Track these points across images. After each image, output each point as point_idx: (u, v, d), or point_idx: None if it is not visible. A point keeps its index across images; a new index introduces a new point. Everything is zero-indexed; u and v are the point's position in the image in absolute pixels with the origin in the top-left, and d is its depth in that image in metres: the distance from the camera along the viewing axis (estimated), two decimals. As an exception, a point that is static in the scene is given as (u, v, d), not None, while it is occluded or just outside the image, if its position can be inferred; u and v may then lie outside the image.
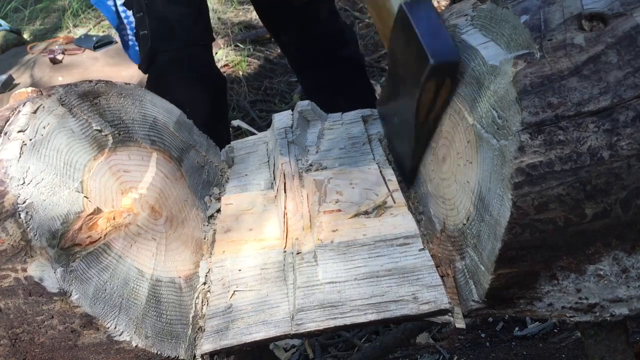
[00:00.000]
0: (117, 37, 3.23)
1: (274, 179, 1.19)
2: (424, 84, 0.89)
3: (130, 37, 1.88)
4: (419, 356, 1.81)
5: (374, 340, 1.85)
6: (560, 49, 0.77)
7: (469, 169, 0.89)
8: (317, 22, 1.93)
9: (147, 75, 1.80)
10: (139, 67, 1.79)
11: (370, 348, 1.76)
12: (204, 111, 1.73)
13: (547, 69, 0.76)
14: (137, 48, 1.76)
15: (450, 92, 0.93)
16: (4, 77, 2.99)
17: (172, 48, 1.70)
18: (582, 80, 0.76)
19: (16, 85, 3.00)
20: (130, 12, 1.78)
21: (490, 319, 1.87)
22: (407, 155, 1.07)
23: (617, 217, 0.77)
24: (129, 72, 2.97)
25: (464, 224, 0.91)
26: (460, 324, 0.90)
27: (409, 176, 1.10)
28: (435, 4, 3.58)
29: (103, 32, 3.64)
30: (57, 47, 3.06)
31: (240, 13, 3.80)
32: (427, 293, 0.91)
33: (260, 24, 3.68)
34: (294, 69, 2.19)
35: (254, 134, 1.37)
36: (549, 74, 0.76)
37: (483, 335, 1.84)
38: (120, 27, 1.93)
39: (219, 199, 1.21)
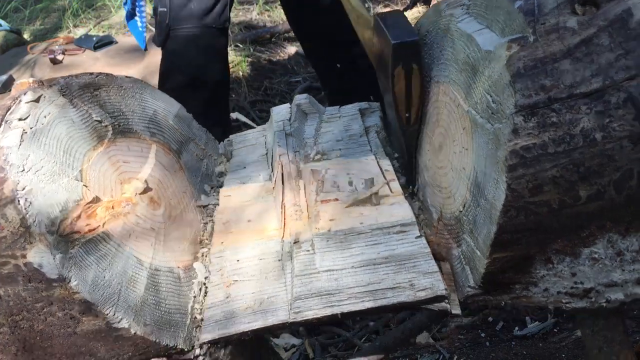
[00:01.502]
0: (116, 37, 3.24)
1: (272, 171, 1.20)
2: (392, 69, 0.98)
3: (139, 10, 1.95)
4: (419, 356, 1.81)
5: (374, 340, 1.85)
6: (553, 32, 0.78)
7: (465, 155, 0.90)
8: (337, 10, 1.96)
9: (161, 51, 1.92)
10: (153, 40, 1.92)
11: (370, 348, 1.76)
12: (203, 92, 1.83)
13: (540, 52, 0.77)
14: (140, 21, 1.86)
15: (422, 83, 1.01)
16: (4, 77, 2.99)
17: (187, 26, 1.81)
18: (574, 63, 0.76)
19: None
20: None
21: (490, 319, 1.87)
22: (405, 161, 1.14)
23: (611, 199, 0.78)
24: (129, 72, 2.97)
25: (460, 211, 0.92)
26: (457, 310, 0.90)
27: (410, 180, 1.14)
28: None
29: (103, 32, 3.64)
30: (57, 47, 3.07)
31: (240, 13, 3.81)
32: (424, 280, 0.91)
33: (260, 24, 3.69)
34: (308, 57, 2.23)
35: (252, 127, 1.38)
36: (542, 56, 0.77)
37: (483, 335, 1.83)
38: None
39: (216, 192, 1.21)
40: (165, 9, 1.81)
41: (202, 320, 0.99)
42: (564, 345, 1.71)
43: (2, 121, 0.89)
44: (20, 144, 0.87)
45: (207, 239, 1.14)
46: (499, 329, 1.85)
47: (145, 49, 1.92)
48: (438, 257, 0.97)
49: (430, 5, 3.90)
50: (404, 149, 1.10)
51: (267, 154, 1.27)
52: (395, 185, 1.07)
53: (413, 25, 1.06)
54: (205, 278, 1.05)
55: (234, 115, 1.37)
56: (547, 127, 0.75)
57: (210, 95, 1.86)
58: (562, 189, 0.77)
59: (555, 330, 1.80)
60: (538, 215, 0.79)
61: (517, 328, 1.82)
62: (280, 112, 1.28)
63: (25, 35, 3.77)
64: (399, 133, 1.09)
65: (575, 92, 0.75)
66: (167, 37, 1.83)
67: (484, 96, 0.83)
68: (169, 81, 1.89)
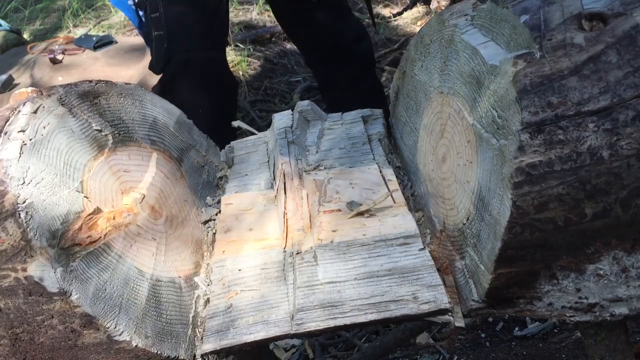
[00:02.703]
0: (116, 37, 3.23)
1: (274, 179, 1.19)
2: None
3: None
4: (419, 356, 1.81)
5: (374, 340, 1.85)
6: (560, 49, 0.77)
7: (469, 168, 0.90)
8: (331, 19, 1.95)
9: (159, 76, 1.81)
10: (150, 68, 1.79)
11: (370, 348, 1.76)
12: (214, 113, 1.75)
13: (547, 68, 0.76)
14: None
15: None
16: (4, 77, 2.98)
17: (188, 49, 1.72)
18: (582, 80, 0.76)
19: (16, 85, 3.00)
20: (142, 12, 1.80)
21: (490, 319, 1.87)
22: None
23: (617, 217, 0.77)
24: (129, 72, 2.96)
25: (464, 224, 0.91)
26: (460, 323, 0.90)
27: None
28: (435, 5, 3.58)
29: (103, 32, 3.63)
30: (57, 47, 3.06)
31: (240, 13, 3.80)
32: (427, 293, 0.91)
33: (260, 24, 3.68)
34: (308, 65, 2.22)
35: (254, 134, 1.37)
36: (549, 73, 0.76)
37: (483, 335, 1.84)
38: (141, 25, 1.93)
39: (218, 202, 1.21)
40: (161, 32, 1.69)
41: (203, 330, 0.98)
42: (564, 346, 1.71)
43: (1, 133, 0.88)
44: (20, 156, 0.86)
45: (208, 247, 1.13)
46: (499, 329, 1.85)
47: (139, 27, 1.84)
48: (440, 268, 0.97)
49: (430, 6, 3.88)
50: None
51: (268, 161, 1.27)
52: (399, 196, 1.06)
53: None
54: (207, 286, 1.04)
55: (236, 123, 1.35)
56: (554, 145, 0.74)
57: (219, 117, 1.77)
58: (568, 206, 0.76)
59: (555, 330, 1.80)
60: (543, 232, 0.78)
61: (517, 328, 1.82)
62: (281, 118, 1.27)
63: (25, 35, 3.76)
64: None
65: (583, 109, 0.75)
66: (167, 62, 1.72)
67: (489, 111, 0.82)
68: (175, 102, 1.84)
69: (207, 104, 1.74)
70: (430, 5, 3.67)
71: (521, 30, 0.80)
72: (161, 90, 1.80)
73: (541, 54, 0.77)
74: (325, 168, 1.16)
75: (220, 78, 1.81)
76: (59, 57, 3.00)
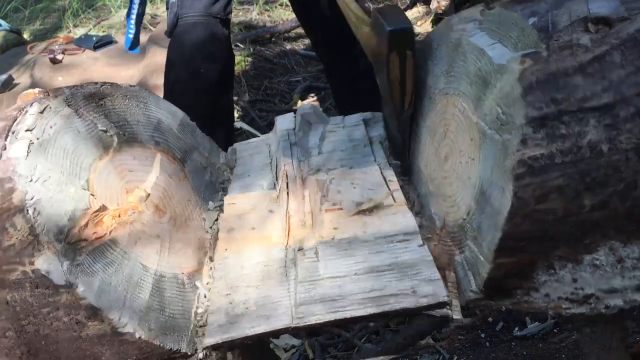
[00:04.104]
0: (116, 37, 3.23)
1: (277, 180, 1.21)
2: (387, 56, 1.03)
3: (130, 22, 2.03)
4: (419, 356, 1.81)
5: (373, 341, 1.85)
6: (566, 49, 0.80)
7: (471, 165, 0.91)
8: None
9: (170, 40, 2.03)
10: (165, 33, 2.03)
11: (372, 351, 1.76)
12: (211, 76, 1.94)
13: (553, 66, 0.79)
14: (130, 35, 1.97)
15: (417, 69, 1.06)
16: (4, 77, 2.99)
17: (193, 15, 1.94)
18: (586, 78, 0.78)
19: (16, 85, 3.00)
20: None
21: (490, 319, 1.88)
22: (399, 145, 1.18)
23: (615, 209, 0.79)
24: (129, 72, 2.97)
25: (464, 219, 0.93)
26: (458, 316, 0.91)
27: (404, 168, 1.19)
28: (435, 5, 3.59)
29: (103, 32, 3.64)
30: (57, 47, 3.07)
31: (240, 13, 3.81)
32: (426, 287, 0.92)
33: (260, 24, 3.69)
34: (322, 61, 2.29)
35: (254, 134, 1.39)
36: (555, 71, 0.78)
37: (483, 335, 1.84)
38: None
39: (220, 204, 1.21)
40: (175, 0, 1.92)
41: (205, 324, 0.99)
42: (564, 346, 1.72)
43: (9, 132, 0.90)
44: (27, 155, 0.88)
45: (211, 246, 1.15)
46: (499, 329, 1.85)
47: (131, 49, 1.99)
48: (441, 266, 0.98)
49: (430, 6, 3.88)
50: (399, 134, 1.14)
51: (271, 162, 1.28)
52: (399, 195, 1.08)
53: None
54: (208, 284, 1.06)
55: (238, 124, 1.37)
56: (556, 139, 0.77)
57: (216, 82, 1.94)
58: (567, 197, 0.78)
59: (555, 330, 1.80)
60: (543, 223, 0.80)
61: (517, 328, 1.83)
62: (284, 121, 1.29)
63: (25, 35, 3.77)
64: (394, 118, 1.13)
65: (585, 105, 0.77)
66: (176, 25, 1.93)
67: (493, 108, 0.84)
68: (176, 68, 1.96)
69: (203, 65, 1.93)
70: (430, 5, 3.68)
71: (529, 32, 0.82)
72: (168, 51, 1.99)
73: (548, 53, 0.79)
74: (327, 169, 1.17)
75: (218, 44, 1.96)
76: (59, 57, 3.01)
